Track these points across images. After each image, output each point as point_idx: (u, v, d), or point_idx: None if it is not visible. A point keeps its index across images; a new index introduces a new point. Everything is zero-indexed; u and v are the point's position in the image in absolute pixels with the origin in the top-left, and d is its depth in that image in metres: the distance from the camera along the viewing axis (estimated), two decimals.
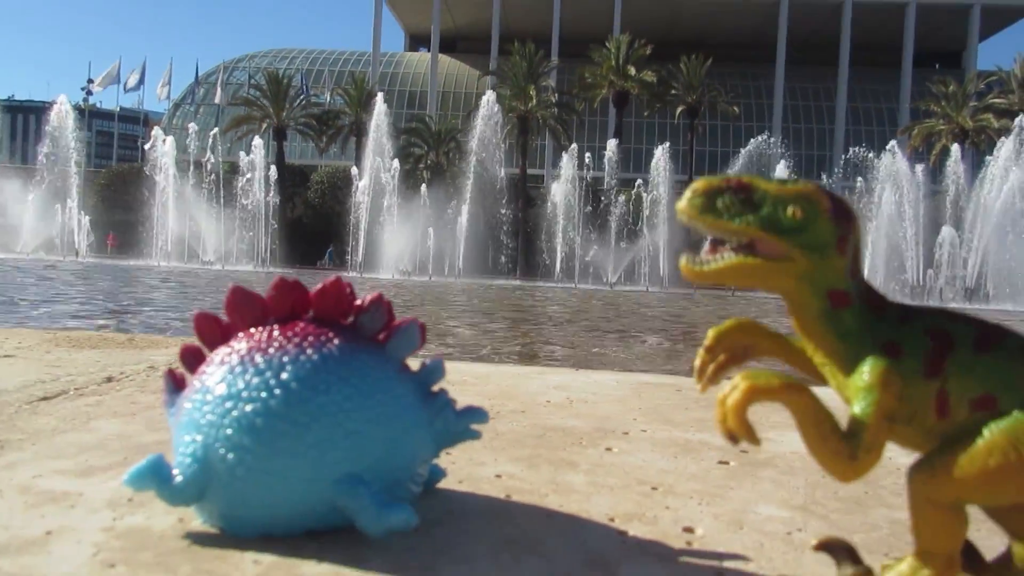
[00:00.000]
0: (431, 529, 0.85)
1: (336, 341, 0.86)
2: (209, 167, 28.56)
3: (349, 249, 27.11)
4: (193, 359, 0.89)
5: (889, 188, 22.92)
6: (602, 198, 27.76)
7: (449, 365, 2.35)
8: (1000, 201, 21.57)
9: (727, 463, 1.23)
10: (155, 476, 0.80)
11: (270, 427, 0.79)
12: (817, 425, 0.61)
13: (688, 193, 0.63)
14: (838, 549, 0.72)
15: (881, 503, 1.04)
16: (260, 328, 0.87)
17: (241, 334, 0.87)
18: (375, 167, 26.75)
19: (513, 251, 29.29)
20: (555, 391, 1.88)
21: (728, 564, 0.81)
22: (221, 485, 0.80)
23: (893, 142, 24.09)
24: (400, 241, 26.21)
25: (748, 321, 0.70)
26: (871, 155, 23.57)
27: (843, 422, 0.62)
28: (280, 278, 0.90)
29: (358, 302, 0.90)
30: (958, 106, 29.48)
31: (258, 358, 0.83)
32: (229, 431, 0.80)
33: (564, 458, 1.21)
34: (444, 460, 1.12)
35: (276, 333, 0.86)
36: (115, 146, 56.79)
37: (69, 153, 28.34)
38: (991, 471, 0.59)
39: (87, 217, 28.27)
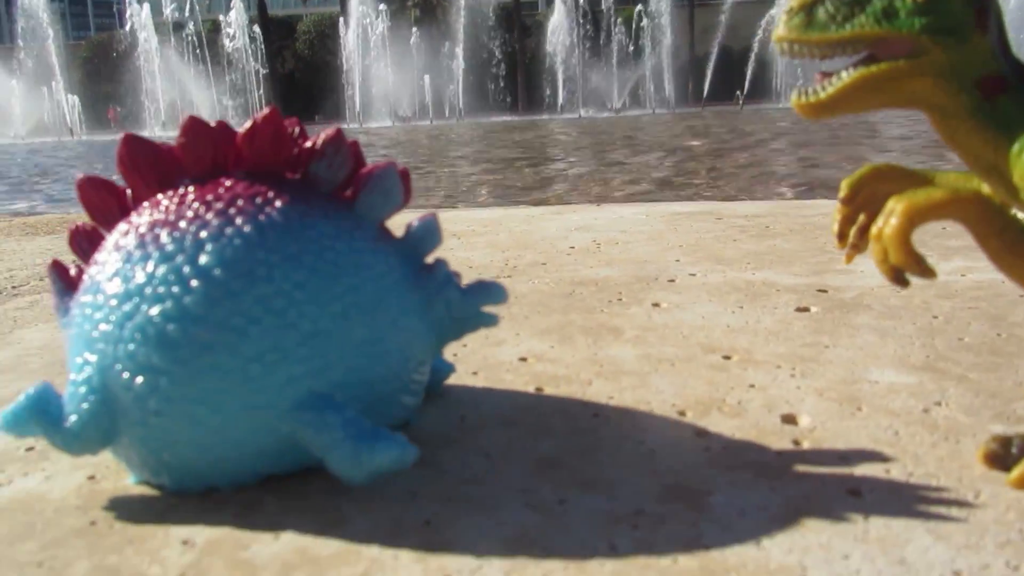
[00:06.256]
0: (437, 456, 0.61)
1: (279, 203, 0.59)
2: (190, 27, 27.56)
3: (346, 100, 26.40)
4: (88, 244, 0.64)
5: None
6: (601, 21, 26.67)
7: (451, 214, 2.08)
8: None
9: (807, 309, 0.98)
10: (39, 416, 0.56)
11: (188, 337, 0.54)
12: (1001, 235, 0.48)
13: (784, 16, 0.49)
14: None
15: None
16: (169, 193, 0.61)
17: (145, 203, 0.61)
18: (361, 11, 25.68)
19: (513, 86, 28.44)
20: (577, 233, 1.63)
21: (861, 471, 0.56)
22: (133, 423, 0.55)
23: None
24: (397, 87, 25.51)
25: (886, 165, 0.57)
26: None
27: None
28: (191, 117, 0.63)
29: (308, 144, 0.63)
30: None
31: (164, 236, 0.57)
32: (131, 346, 0.55)
33: (603, 323, 0.96)
34: (452, 344, 0.87)
35: (191, 198, 0.59)
36: (91, 16, 54.49)
37: (46, 28, 27.30)
38: None
39: (75, 96, 27.48)
